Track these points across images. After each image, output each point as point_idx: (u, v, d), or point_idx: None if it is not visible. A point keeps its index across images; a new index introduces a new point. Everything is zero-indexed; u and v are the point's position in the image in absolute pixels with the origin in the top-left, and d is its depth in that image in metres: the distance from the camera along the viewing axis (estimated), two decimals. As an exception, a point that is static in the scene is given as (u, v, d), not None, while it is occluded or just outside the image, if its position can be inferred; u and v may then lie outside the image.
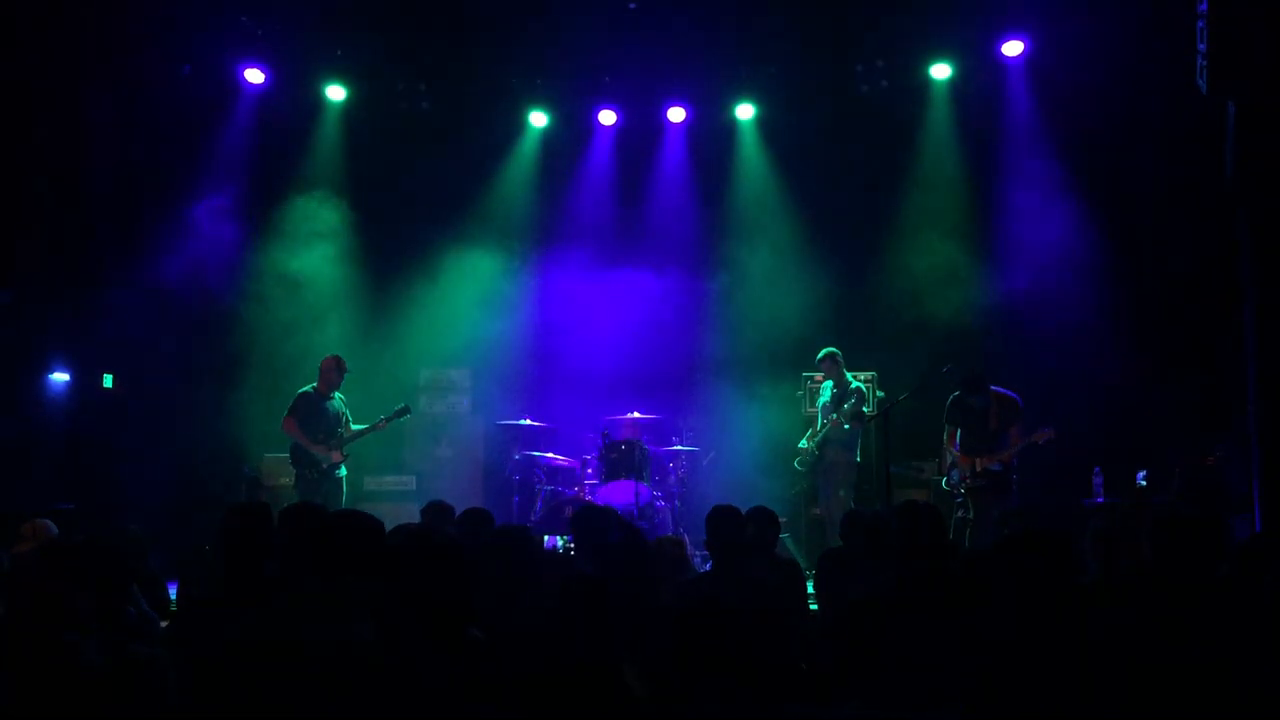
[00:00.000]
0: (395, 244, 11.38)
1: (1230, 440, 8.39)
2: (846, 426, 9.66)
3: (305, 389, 9.38)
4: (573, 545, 6.48)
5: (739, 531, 5.39)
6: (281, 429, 9.31)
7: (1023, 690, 2.81)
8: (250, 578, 4.09)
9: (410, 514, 8.58)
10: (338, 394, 9.43)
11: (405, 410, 9.63)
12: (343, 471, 9.35)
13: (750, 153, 11.60)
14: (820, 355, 9.90)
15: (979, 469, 8.54)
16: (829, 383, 9.99)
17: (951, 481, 8.79)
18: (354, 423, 9.42)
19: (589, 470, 10.13)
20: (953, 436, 8.83)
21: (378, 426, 9.45)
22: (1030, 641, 2.90)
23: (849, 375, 9.91)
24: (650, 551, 5.16)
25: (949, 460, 8.88)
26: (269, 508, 4.43)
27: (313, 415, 9.25)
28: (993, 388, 8.64)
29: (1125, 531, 4.75)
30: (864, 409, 9.66)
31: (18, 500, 8.07)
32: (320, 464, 9.17)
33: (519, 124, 11.65)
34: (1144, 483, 8.88)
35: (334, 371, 9.40)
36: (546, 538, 8.49)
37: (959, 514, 8.60)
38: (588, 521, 5.70)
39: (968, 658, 3.01)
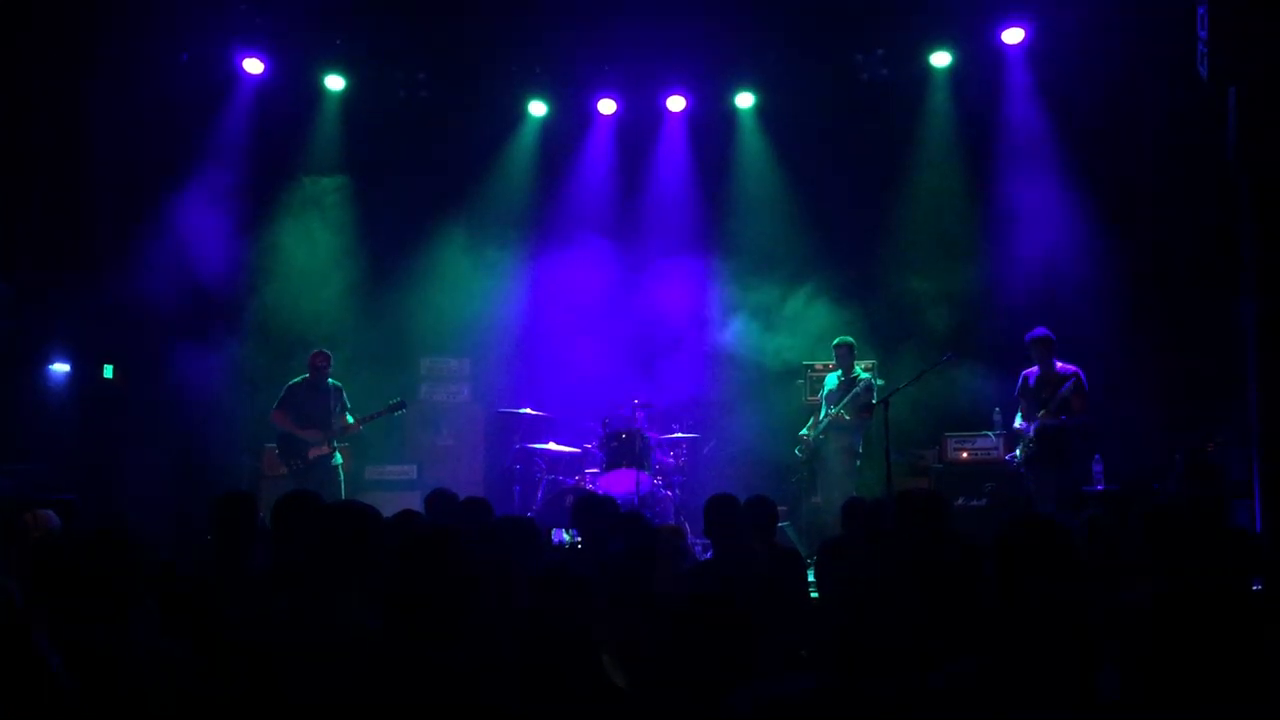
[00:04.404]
0: (395, 232, 11.34)
1: (1230, 426, 8.40)
2: (848, 418, 9.66)
3: (295, 380, 9.45)
4: (580, 541, 6.45)
5: (736, 520, 5.39)
6: (271, 420, 9.38)
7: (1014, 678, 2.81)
8: (238, 567, 4.11)
9: (411, 503, 8.58)
10: (332, 381, 9.45)
11: (400, 405, 9.63)
12: (337, 459, 9.38)
13: (750, 141, 11.58)
14: (837, 341, 9.88)
15: (1030, 436, 8.64)
16: (835, 373, 9.98)
17: (1008, 459, 9.02)
18: (351, 413, 9.44)
19: (590, 459, 10.14)
20: (1019, 413, 8.92)
21: (368, 419, 9.48)
22: (1020, 628, 2.91)
23: (857, 366, 9.92)
24: (654, 533, 5.15)
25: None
26: (253, 497, 4.44)
27: (301, 405, 9.31)
28: (1055, 361, 8.68)
29: (1117, 520, 4.74)
30: (871, 402, 9.66)
31: (18, 490, 8.07)
32: (304, 453, 9.20)
33: (518, 113, 11.63)
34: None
35: (315, 368, 9.39)
36: (554, 531, 8.43)
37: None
38: (589, 511, 5.72)
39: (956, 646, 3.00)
